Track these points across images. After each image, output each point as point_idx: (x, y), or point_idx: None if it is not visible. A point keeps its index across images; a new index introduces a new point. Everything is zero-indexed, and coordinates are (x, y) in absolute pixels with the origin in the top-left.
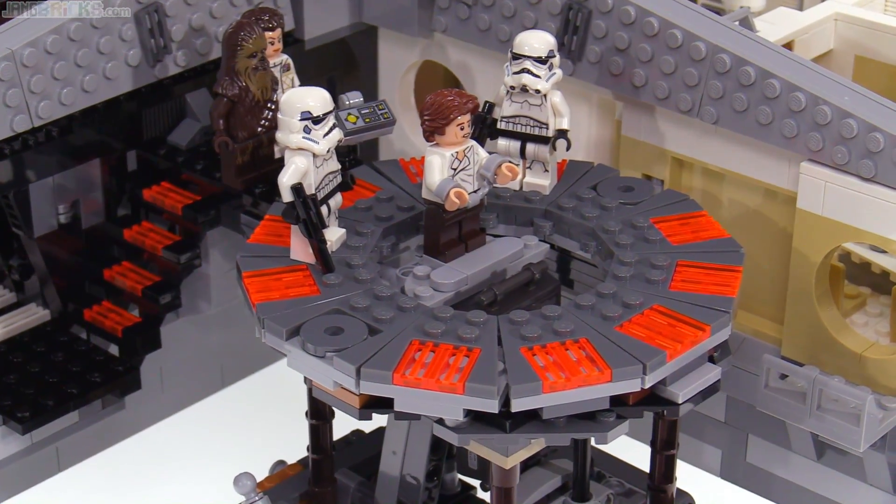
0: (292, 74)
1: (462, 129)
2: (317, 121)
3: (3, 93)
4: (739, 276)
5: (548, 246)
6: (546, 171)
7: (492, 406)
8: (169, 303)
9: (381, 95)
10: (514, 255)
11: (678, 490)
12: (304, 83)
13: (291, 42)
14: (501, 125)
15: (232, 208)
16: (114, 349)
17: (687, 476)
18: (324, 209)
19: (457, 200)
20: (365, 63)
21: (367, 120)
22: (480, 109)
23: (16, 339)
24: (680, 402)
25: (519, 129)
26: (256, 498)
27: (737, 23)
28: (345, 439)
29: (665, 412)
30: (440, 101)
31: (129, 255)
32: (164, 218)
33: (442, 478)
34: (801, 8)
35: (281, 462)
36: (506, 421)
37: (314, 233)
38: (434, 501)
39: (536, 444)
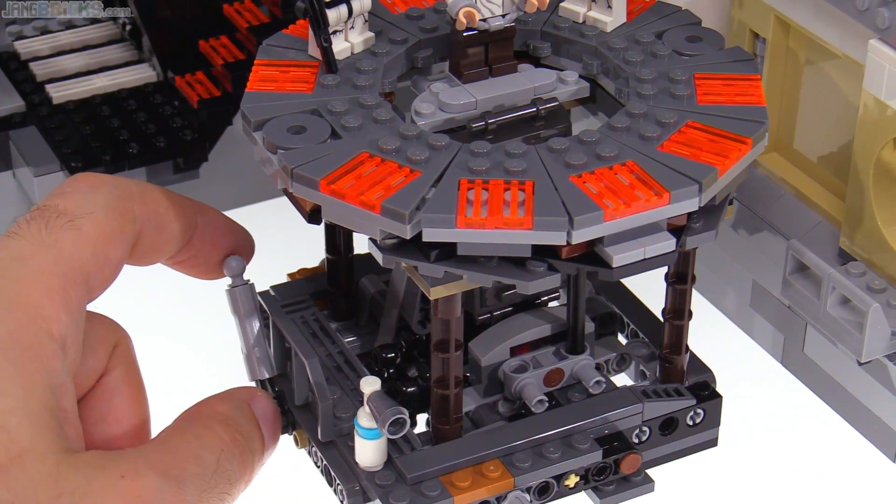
0: None
1: None
2: None
3: None
4: (744, 149)
5: (587, 84)
6: (610, 7)
7: (402, 230)
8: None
9: None
10: (540, 87)
11: (699, 363)
12: None
13: None
14: None
15: None
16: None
17: (747, 355)
18: (342, 9)
19: (464, 20)
20: None
21: None
22: None
23: (114, 94)
24: (614, 265)
25: None
26: (241, 283)
27: None
28: None
29: (598, 273)
30: None
31: (225, 29)
32: (262, 0)
33: None
34: None
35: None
36: (432, 250)
37: (317, 31)
38: (429, 321)
39: (467, 281)
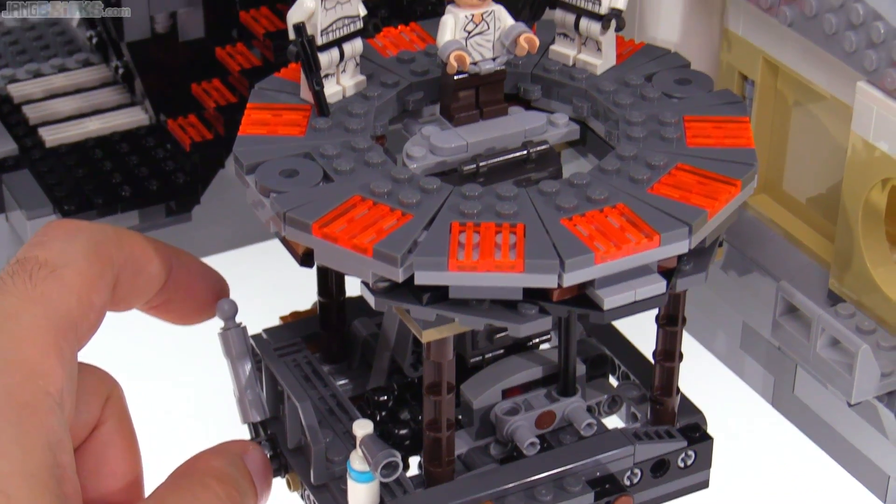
0: None
1: None
2: None
3: None
4: (733, 191)
5: (577, 126)
6: (599, 49)
7: (394, 274)
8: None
9: None
10: (531, 130)
11: (690, 405)
12: None
13: None
14: None
15: None
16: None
17: (737, 397)
18: (334, 53)
19: (455, 64)
20: None
21: None
22: None
23: (106, 137)
24: (605, 308)
25: (574, 2)
26: (233, 325)
27: None
28: None
29: (589, 316)
30: None
31: (218, 72)
32: (254, 43)
33: None
34: None
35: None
36: (424, 294)
37: (309, 75)
38: (420, 364)
39: (459, 325)
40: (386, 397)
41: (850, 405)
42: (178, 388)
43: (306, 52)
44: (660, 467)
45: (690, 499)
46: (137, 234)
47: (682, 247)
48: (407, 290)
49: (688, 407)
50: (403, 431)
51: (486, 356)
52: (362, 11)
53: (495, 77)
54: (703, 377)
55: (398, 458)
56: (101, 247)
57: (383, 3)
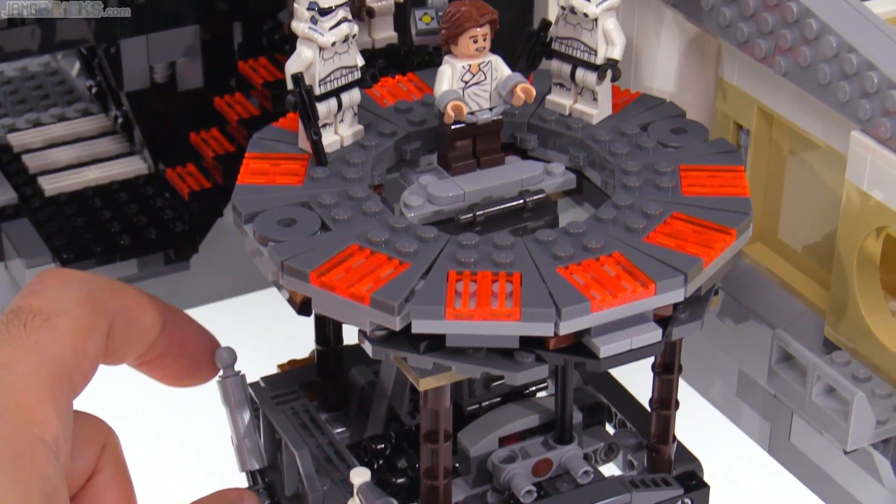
0: None
1: (476, 41)
2: (324, 12)
3: None
4: (728, 240)
5: (573, 175)
6: (595, 99)
7: (391, 322)
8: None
9: None
10: (528, 179)
11: (686, 453)
12: None
13: None
14: (555, 45)
15: None
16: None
17: (733, 444)
18: (332, 103)
19: (452, 114)
20: None
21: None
22: (536, 27)
23: (105, 186)
24: (601, 356)
25: (570, 53)
26: (232, 374)
27: None
28: None
29: (586, 364)
30: (455, 10)
31: (216, 122)
32: (252, 93)
33: None
34: None
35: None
36: (421, 342)
37: (307, 124)
38: (418, 412)
39: (456, 373)
40: (383, 445)
41: (845, 453)
42: (175, 436)
43: (304, 102)
44: None
45: None
46: (130, 286)
47: (677, 295)
48: (404, 339)
49: (684, 454)
50: (400, 479)
51: (483, 404)
52: (360, 62)
53: (492, 127)
54: (700, 425)
55: None
56: (94, 296)
57: (381, 53)
